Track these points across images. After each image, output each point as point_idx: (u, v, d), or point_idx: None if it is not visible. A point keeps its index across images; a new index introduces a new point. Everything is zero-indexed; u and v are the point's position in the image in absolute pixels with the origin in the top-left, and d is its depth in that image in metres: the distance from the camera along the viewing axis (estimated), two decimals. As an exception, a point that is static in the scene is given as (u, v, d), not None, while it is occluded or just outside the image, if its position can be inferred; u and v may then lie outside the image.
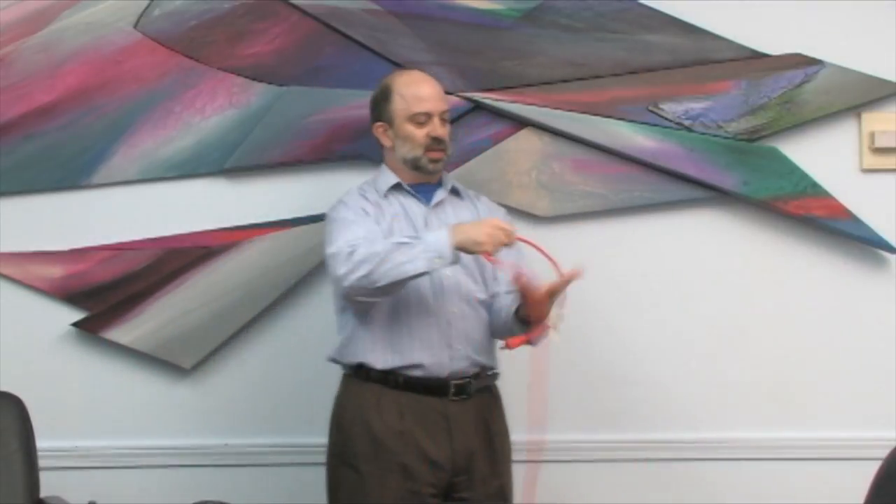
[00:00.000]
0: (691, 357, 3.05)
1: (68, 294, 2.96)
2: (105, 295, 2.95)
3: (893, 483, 2.02)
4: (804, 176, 3.01)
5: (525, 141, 3.00)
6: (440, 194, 2.60)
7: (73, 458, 2.94)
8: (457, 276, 2.51)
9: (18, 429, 2.61)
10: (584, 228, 3.01)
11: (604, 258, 3.01)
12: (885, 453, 2.10)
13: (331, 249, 2.45)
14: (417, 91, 2.56)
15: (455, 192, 2.64)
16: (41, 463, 2.64)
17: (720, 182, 3.00)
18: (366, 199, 2.56)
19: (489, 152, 2.99)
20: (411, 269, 2.35)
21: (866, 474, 2.09)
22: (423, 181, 2.59)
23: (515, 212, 2.90)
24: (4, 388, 2.68)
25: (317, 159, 2.99)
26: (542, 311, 2.40)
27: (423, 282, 2.45)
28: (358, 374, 2.52)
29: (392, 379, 2.48)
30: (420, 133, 2.53)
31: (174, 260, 2.96)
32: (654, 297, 3.04)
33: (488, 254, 2.37)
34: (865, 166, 3.05)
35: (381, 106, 2.58)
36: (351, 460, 2.49)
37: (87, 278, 2.95)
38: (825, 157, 3.03)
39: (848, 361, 3.05)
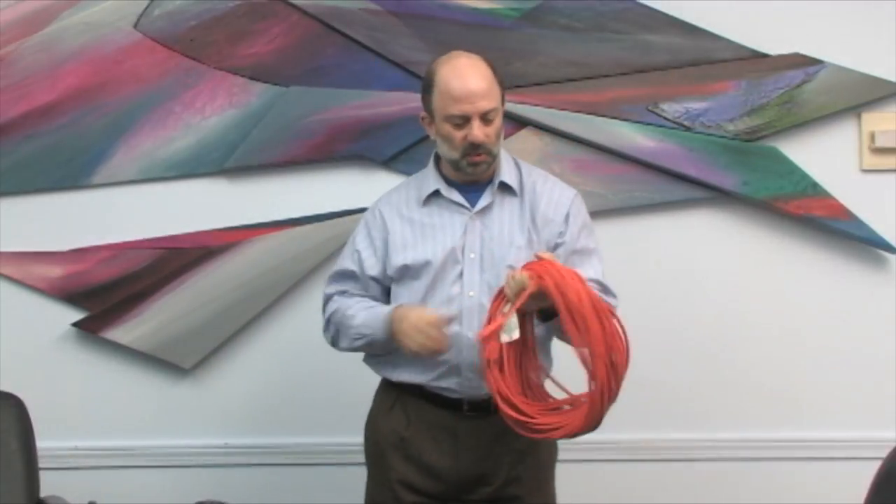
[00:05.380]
0: (691, 357, 3.05)
1: (68, 294, 2.96)
2: (105, 295, 2.96)
3: (893, 483, 2.02)
4: (804, 176, 3.01)
5: (525, 141, 3.00)
6: (486, 197, 2.37)
7: (73, 458, 2.94)
8: (480, 299, 2.32)
9: (18, 429, 2.60)
10: (584, 228, 3.01)
11: (603, 258, 3.01)
12: (885, 453, 2.10)
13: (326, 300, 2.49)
14: (456, 89, 2.27)
15: (509, 188, 2.38)
16: (41, 463, 2.63)
17: (720, 182, 3.00)
18: (383, 223, 2.40)
19: (489, 152, 2.99)
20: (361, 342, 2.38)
21: (866, 474, 2.09)
22: (475, 181, 2.37)
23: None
24: (4, 388, 2.67)
25: (317, 159, 2.99)
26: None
27: (443, 305, 2.32)
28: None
29: (408, 388, 2.40)
30: (458, 135, 2.29)
31: (174, 260, 2.96)
32: (654, 296, 3.04)
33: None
34: (865, 166, 3.05)
35: (425, 95, 2.35)
36: (366, 458, 2.50)
37: (87, 278, 2.96)
38: (825, 157, 3.03)
39: (848, 361, 3.05)
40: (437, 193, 2.38)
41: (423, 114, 2.39)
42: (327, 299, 2.46)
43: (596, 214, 3.00)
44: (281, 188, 3.00)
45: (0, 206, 2.96)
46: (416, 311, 2.29)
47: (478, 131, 2.28)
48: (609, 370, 2.13)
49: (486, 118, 2.29)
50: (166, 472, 2.99)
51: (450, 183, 2.39)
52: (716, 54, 3.01)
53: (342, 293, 2.44)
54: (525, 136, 3.01)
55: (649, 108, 3.01)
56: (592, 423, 2.21)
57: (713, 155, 3.00)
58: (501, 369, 2.20)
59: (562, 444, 2.98)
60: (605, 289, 2.37)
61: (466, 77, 2.29)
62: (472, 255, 2.35)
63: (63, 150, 2.95)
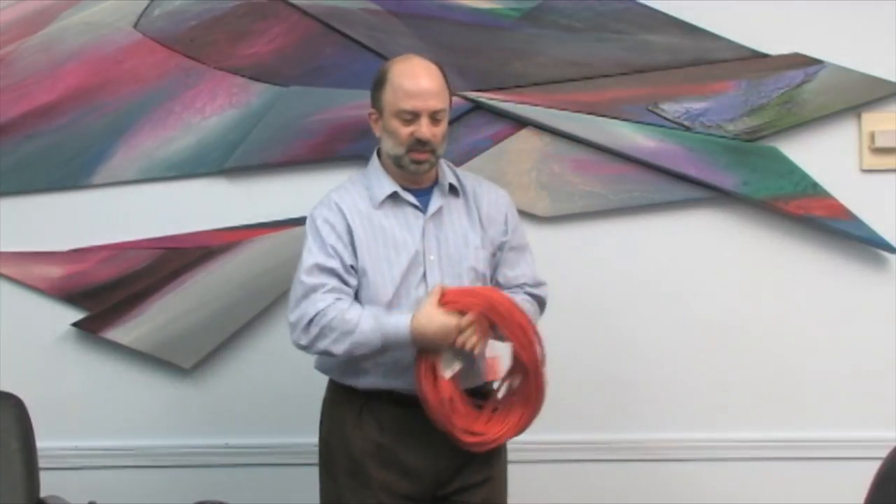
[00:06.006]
0: (691, 357, 3.05)
1: (68, 294, 2.96)
2: (105, 295, 2.96)
3: (893, 483, 2.02)
4: (804, 176, 3.01)
5: (525, 141, 3.00)
6: (437, 200, 2.43)
7: (73, 458, 2.94)
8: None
9: (18, 429, 2.60)
10: (583, 228, 3.01)
11: (603, 258, 3.01)
12: (885, 453, 2.10)
13: (291, 316, 2.37)
14: (409, 85, 2.34)
15: (454, 190, 2.47)
16: (41, 463, 2.63)
17: (720, 182, 3.00)
18: (345, 220, 2.38)
19: (489, 152, 2.99)
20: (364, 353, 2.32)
21: (866, 474, 2.09)
22: (417, 186, 2.42)
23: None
24: (4, 388, 2.67)
25: (317, 159, 2.99)
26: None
27: (410, 307, 2.34)
28: (342, 384, 2.45)
29: (375, 393, 2.39)
30: (404, 131, 2.34)
31: (174, 260, 2.96)
32: (654, 296, 3.04)
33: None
34: (865, 166, 3.05)
35: (375, 92, 2.40)
36: (331, 471, 2.45)
37: (87, 278, 2.96)
38: (825, 157, 3.03)
39: (848, 361, 3.06)
40: (393, 196, 2.41)
41: (371, 111, 2.43)
42: (307, 294, 2.34)
43: (596, 214, 3.02)
44: (281, 188, 3.00)
45: (0, 206, 2.96)
46: (437, 317, 2.28)
47: (426, 129, 2.34)
48: (540, 365, 2.35)
49: (434, 117, 2.35)
50: (166, 472, 2.99)
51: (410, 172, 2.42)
52: (716, 54, 3.01)
53: (324, 288, 2.34)
54: (525, 136, 3.00)
55: (649, 108, 3.01)
56: (530, 422, 2.40)
57: (713, 155, 3.00)
58: (452, 403, 2.30)
59: (562, 445, 3.00)
60: (538, 282, 2.54)
61: (419, 76, 2.36)
62: (432, 258, 2.40)
63: (63, 150, 2.95)
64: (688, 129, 3.01)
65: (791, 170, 3.01)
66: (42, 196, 2.97)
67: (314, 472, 2.87)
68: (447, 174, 2.47)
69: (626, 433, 3.04)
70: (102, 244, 2.97)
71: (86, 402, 2.99)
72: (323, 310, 2.32)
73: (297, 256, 2.92)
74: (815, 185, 3.01)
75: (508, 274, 2.50)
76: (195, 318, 2.96)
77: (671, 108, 3.01)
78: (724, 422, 3.05)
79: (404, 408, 2.38)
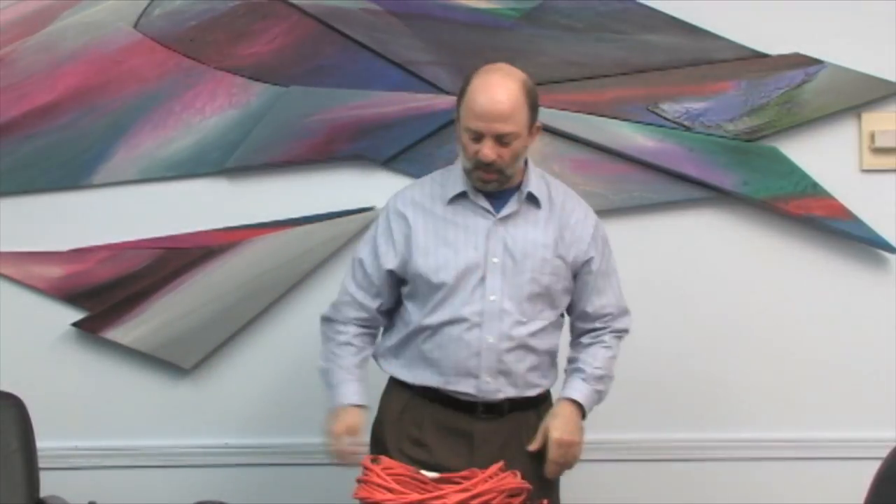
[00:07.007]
0: (691, 357, 3.05)
1: (68, 294, 2.96)
2: (105, 295, 2.96)
3: (893, 483, 2.02)
4: (804, 176, 3.01)
5: (525, 141, 3.00)
6: (512, 205, 2.36)
7: (73, 458, 2.94)
8: (502, 304, 2.34)
9: (18, 429, 2.61)
10: (584, 228, 3.01)
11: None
12: (885, 453, 2.10)
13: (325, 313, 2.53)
14: (479, 104, 2.27)
15: (533, 199, 2.39)
16: (41, 463, 2.64)
17: (720, 182, 3.00)
18: (406, 223, 2.39)
19: (489, 152, 2.99)
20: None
21: (866, 474, 2.09)
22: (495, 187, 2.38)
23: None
24: (4, 388, 2.68)
25: (317, 159, 2.98)
26: None
27: (463, 307, 2.33)
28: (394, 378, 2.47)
29: (421, 390, 2.39)
30: (471, 148, 2.29)
31: (174, 260, 2.96)
32: (654, 297, 3.03)
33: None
34: (865, 166, 3.05)
35: (459, 98, 2.35)
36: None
37: (87, 278, 2.96)
38: (825, 157, 3.03)
39: (848, 361, 3.06)
40: (463, 195, 2.38)
41: (456, 113, 2.38)
42: (344, 291, 2.46)
43: (596, 214, 3.01)
44: (281, 188, 3.00)
45: (0, 206, 2.96)
46: (340, 421, 2.37)
47: (488, 150, 2.27)
48: None
49: (501, 140, 2.28)
50: (166, 472, 2.99)
51: (475, 188, 2.38)
52: (716, 54, 3.01)
53: (345, 321, 2.45)
54: (525, 136, 3.00)
55: (649, 108, 3.01)
56: None
57: (713, 155, 3.00)
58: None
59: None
60: (622, 310, 2.50)
61: (492, 94, 2.27)
62: (495, 260, 2.35)
63: (63, 150, 2.95)
64: (688, 129, 3.01)
65: (791, 170, 3.01)
66: (42, 196, 2.97)
67: (314, 472, 2.89)
68: (531, 182, 2.39)
69: (624, 433, 3.04)
70: (102, 244, 2.96)
71: (86, 402, 2.99)
72: (330, 337, 2.47)
73: (298, 256, 2.96)
74: (815, 185, 3.01)
75: (596, 302, 2.44)
76: (195, 318, 2.96)
77: (671, 108, 3.01)
78: (724, 422, 3.05)
79: (448, 408, 2.37)
